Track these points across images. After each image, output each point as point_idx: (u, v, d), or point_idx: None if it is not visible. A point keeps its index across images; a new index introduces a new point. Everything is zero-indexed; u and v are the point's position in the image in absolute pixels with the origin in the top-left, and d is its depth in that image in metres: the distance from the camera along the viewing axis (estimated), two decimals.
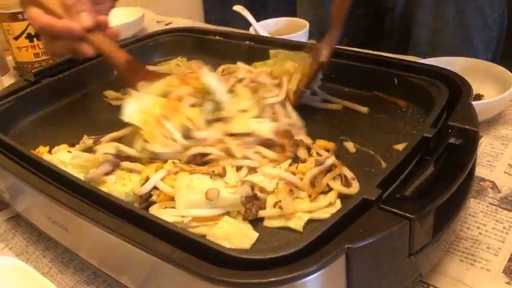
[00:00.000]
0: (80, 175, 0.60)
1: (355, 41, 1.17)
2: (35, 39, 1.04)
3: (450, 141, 0.52)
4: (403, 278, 0.47)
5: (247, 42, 0.88)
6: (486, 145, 0.71)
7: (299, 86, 0.70)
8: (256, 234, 0.51)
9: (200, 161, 0.60)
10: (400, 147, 0.61)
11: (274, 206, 0.53)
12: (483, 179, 0.65)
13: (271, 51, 0.83)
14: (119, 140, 0.67)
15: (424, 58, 0.83)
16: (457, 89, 0.62)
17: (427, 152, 0.52)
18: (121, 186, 0.58)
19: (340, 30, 0.68)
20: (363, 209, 0.44)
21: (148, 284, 0.49)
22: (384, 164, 0.59)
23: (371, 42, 1.12)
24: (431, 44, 1.07)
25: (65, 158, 0.63)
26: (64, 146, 0.68)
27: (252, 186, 0.56)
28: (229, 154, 0.61)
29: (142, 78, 0.68)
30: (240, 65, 0.81)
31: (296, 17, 1.21)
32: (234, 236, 0.51)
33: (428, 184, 0.48)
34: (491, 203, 0.61)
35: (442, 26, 1.05)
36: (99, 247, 0.52)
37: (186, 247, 0.42)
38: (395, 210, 0.43)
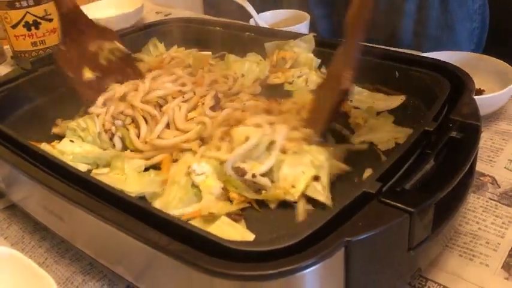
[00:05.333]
0: (80, 166, 0.60)
1: (339, 31, 1.16)
2: (32, 27, 1.03)
3: (451, 135, 0.52)
4: (402, 272, 0.47)
5: (247, 33, 0.87)
6: (486, 140, 0.71)
7: (318, 120, 0.59)
8: (253, 236, 0.50)
9: None
10: (400, 140, 0.60)
11: None
12: (483, 174, 0.65)
13: (266, 44, 0.82)
14: None
15: (408, 48, 0.83)
16: (459, 83, 0.62)
17: (427, 145, 0.52)
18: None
19: (358, 46, 0.54)
20: (363, 202, 0.44)
21: (144, 275, 0.48)
22: (383, 158, 0.59)
23: None
24: (415, 34, 1.07)
25: (67, 148, 0.63)
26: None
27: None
28: None
29: (82, 31, 0.71)
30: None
31: None
32: (231, 236, 0.50)
33: (428, 178, 0.47)
34: (490, 198, 0.61)
35: (426, 15, 1.06)
36: (96, 237, 0.51)
37: (184, 238, 0.42)
38: (396, 204, 0.43)
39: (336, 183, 0.56)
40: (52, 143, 0.65)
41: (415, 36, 1.07)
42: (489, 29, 1.09)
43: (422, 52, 0.83)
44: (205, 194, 0.56)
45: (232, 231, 0.50)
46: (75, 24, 0.73)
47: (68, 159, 0.61)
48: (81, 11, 0.74)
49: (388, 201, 0.43)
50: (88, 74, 0.72)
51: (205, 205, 0.54)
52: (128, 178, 0.59)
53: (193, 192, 0.56)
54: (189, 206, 0.55)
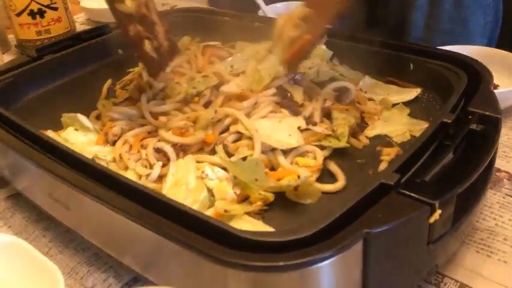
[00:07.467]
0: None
1: (357, 21, 1.14)
2: (37, 16, 1.01)
3: (471, 127, 0.50)
4: (420, 267, 0.45)
5: (256, 23, 0.85)
6: (502, 136, 0.68)
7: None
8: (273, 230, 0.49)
9: None
10: (416, 133, 0.59)
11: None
12: (499, 170, 0.63)
13: None
14: None
15: (418, 41, 0.81)
16: (476, 75, 0.60)
17: (445, 138, 0.50)
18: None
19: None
20: (381, 193, 0.42)
21: (152, 265, 0.47)
22: (400, 151, 0.57)
23: (365, 25, 1.10)
24: (426, 27, 1.05)
25: (71, 136, 0.61)
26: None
27: None
28: None
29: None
30: None
31: None
32: None
33: (448, 170, 0.46)
34: (507, 194, 0.59)
35: (438, 8, 1.03)
36: (103, 226, 0.50)
37: (196, 228, 0.40)
38: (416, 196, 0.41)
39: (352, 175, 0.55)
40: (58, 131, 0.64)
41: (426, 29, 1.05)
42: (502, 24, 1.07)
43: (434, 45, 0.81)
44: (218, 200, 0.53)
45: (251, 228, 0.48)
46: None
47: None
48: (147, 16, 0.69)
49: (407, 192, 0.42)
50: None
51: (219, 206, 0.52)
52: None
53: (208, 196, 0.54)
54: (203, 209, 0.53)
